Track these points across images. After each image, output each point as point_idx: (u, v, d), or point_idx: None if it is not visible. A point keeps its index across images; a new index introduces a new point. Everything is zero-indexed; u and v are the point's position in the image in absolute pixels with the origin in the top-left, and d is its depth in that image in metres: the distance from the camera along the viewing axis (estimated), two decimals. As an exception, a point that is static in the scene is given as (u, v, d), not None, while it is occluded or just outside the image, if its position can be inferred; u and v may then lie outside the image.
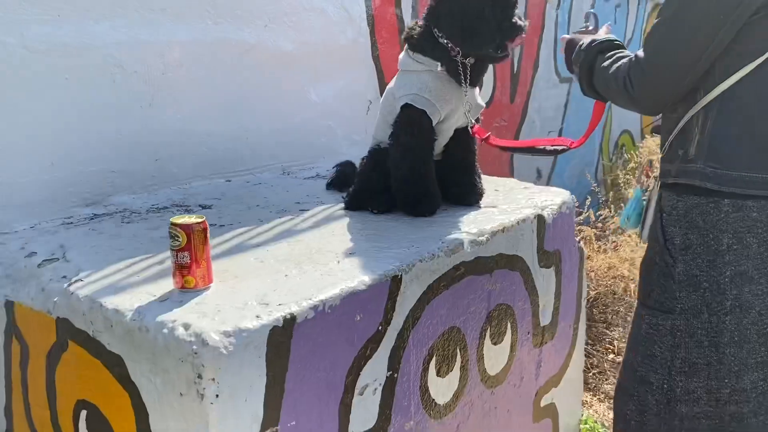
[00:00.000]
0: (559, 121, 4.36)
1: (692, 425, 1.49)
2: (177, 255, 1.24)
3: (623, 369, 1.68)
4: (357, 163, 2.06)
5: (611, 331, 3.15)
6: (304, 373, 1.22)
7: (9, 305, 1.46)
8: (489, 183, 2.00)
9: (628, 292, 3.13)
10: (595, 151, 4.94)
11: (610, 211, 3.74)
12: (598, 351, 3.04)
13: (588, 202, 3.70)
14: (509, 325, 1.81)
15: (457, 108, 1.79)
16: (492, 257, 1.68)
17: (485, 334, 1.72)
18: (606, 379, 2.89)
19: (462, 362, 1.65)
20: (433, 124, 1.76)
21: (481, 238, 1.64)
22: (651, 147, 4.66)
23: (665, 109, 1.49)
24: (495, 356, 1.77)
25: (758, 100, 1.36)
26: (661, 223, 1.50)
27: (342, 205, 1.92)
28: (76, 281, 1.35)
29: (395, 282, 1.40)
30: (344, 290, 1.28)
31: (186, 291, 1.26)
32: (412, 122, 1.75)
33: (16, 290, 1.46)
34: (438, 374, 1.57)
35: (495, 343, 1.76)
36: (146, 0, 1.93)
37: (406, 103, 1.75)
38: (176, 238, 1.23)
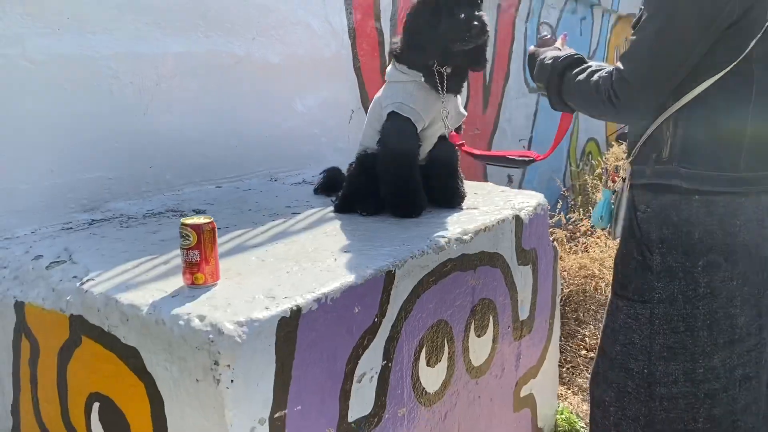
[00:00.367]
0: (529, 130, 4.53)
1: (671, 405, 1.61)
2: (187, 253, 1.32)
3: (600, 359, 1.78)
4: (343, 169, 2.16)
5: (583, 328, 3.30)
6: (308, 361, 1.31)
7: (19, 305, 1.52)
8: (469, 187, 2.12)
9: (599, 290, 3.29)
10: (563, 158, 5.14)
11: (580, 215, 3.91)
12: (571, 347, 3.18)
13: (559, 206, 3.86)
14: (491, 318, 1.93)
15: (439, 115, 1.91)
16: (476, 254, 1.80)
17: (470, 327, 1.83)
18: (579, 374, 3.02)
19: (449, 353, 1.76)
20: (418, 131, 1.88)
21: (465, 237, 1.76)
22: (617, 153, 4.87)
23: (645, 117, 1.60)
24: (479, 348, 1.88)
25: (724, 106, 1.49)
26: (636, 221, 1.64)
27: (331, 208, 2.02)
28: (87, 280, 1.42)
29: (389, 277, 1.50)
30: (344, 284, 1.38)
31: (195, 287, 1.34)
32: (397, 129, 1.87)
33: (26, 291, 1.52)
34: (428, 364, 1.67)
35: (479, 336, 1.88)
36: (141, 14, 2.01)
37: (392, 111, 1.87)
38: (187, 238, 1.32)
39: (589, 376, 1.90)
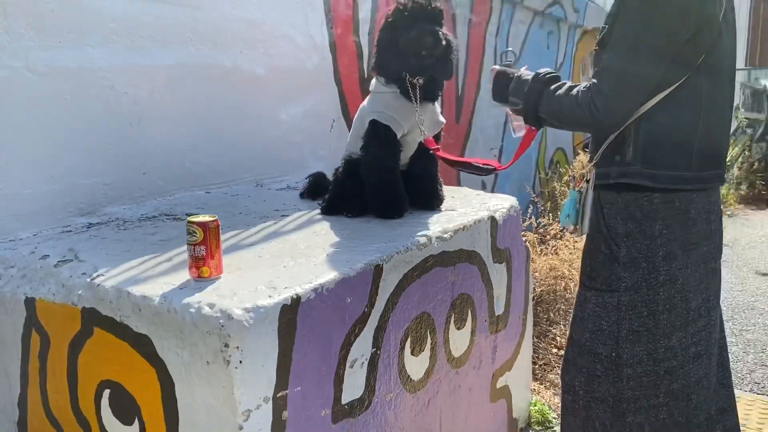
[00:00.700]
0: (500, 139, 4.73)
1: (636, 384, 1.77)
2: (194, 249, 1.44)
3: (569, 347, 1.93)
4: (328, 174, 2.29)
5: (554, 328, 3.47)
6: (307, 346, 1.43)
7: (30, 301, 1.61)
8: (447, 191, 2.27)
9: (568, 290, 3.46)
10: (533, 166, 5.35)
11: (549, 219, 4.10)
12: (543, 346, 3.35)
13: (530, 211, 4.05)
14: (470, 312, 2.07)
15: (417, 122, 2.06)
16: (455, 252, 1.94)
17: (450, 320, 1.97)
18: (551, 370, 3.18)
19: (432, 344, 1.89)
20: (398, 137, 2.02)
21: (445, 235, 1.90)
22: (583, 161, 5.09)
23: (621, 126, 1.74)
24: (459, 340, 2.02)
25: (678, 114, 1.67)
26: (603, 217, 1.80)
27: (318, 210, 2.14)
28: (98, 276, 1.52)
29: (377, 270, 1.63)
30: (338, 276, 1.51)
31: (201, 280, 1.45)
32: (379, 135, 2.01)
33: (35, 288, 1.61)
34: (412, 353, 1.81)
35: (458, 328, 2.02)
36: (136, 28, 2.12)
37: (373, 119, 2.01)
38: (193, 234, 1.43)
39: (561, 367, 2.05)
